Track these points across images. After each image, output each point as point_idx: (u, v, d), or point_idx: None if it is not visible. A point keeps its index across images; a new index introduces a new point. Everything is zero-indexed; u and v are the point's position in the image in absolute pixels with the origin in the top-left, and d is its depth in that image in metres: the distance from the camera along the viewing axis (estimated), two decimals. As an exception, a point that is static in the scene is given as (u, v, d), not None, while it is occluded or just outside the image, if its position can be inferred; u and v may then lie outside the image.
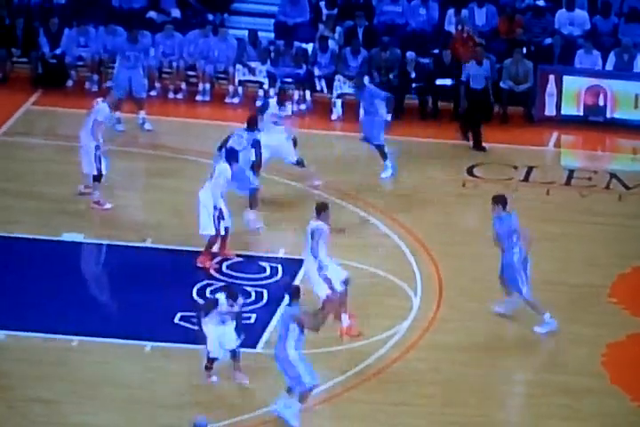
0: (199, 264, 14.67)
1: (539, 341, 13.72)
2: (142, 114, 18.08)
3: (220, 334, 12.74)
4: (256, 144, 15.60)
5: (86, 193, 16.06)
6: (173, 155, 17.53)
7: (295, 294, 12.26)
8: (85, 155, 15.77)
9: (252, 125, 15.71)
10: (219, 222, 14.51)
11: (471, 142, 18.03)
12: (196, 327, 12.82)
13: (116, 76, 18.27)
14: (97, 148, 15.74)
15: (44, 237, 15.06)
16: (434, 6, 19.95)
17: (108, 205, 15.82)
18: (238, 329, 12.79)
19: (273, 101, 16.32)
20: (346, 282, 13.73)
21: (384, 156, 16.95)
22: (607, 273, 15.00)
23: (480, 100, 18.02)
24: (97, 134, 15.66)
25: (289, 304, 12.28)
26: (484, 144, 17.99)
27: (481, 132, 17.99)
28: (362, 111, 17.24)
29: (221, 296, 12.76)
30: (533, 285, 14.62)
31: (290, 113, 16.34)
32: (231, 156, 14.67)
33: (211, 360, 12.89)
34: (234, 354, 12.87)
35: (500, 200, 14.08)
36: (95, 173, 15.76)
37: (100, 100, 16.03)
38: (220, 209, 14.57)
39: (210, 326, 12.73)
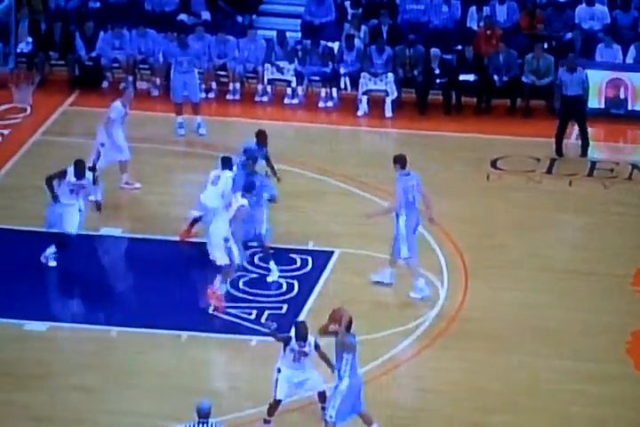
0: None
1: (563, 329, 13.86)
2: (198, 119, 18.13)
3: (294, 377, 12.08)
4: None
5: (127, 188, 16.45)
6: (205, 151, 17.78)
7: (350, 325, 11.80)
8: (93, 148, 16.21)
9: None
10: (230, 251, 14.09)
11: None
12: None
13: (172, 83, 18.35)
14: (102, 144, 16.15)
15: (83, 231, 15.22)
16: (456, 4, 20.19)
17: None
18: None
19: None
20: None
21: (269, 257, 14.90)
22: (630, 262, 15.12)
23: (571, 107, 17.67)
24: (108, 130, 16.04)
25: (354, 337, 11.76)
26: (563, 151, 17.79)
27: (562, 138, 17.80)
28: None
29: (292, 332, 12.08)
30: (559, 274, 14.82)
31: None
32: (249, 187, 14.38)
33: (275, 404, 12.15)
34: (321, 394, 12.23)
35: (397, 160, 14.36)
36: (90, 164, 15.88)
37: (118, 99, 16.42)
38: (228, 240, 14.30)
39: (283, 368, 12.08)
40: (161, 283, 14.60)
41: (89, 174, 14.76)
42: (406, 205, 14.29)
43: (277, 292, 14.61)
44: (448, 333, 13.86)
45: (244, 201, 14.04)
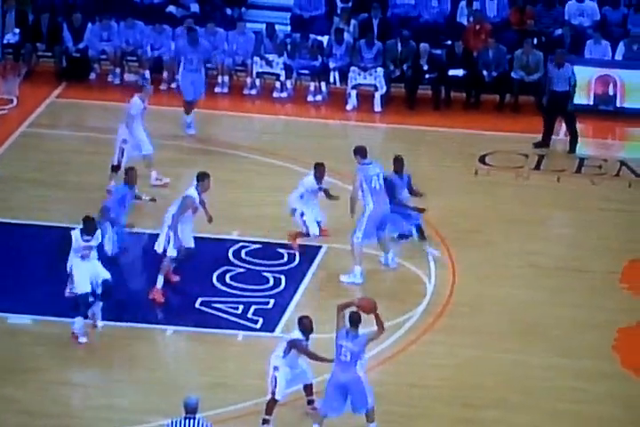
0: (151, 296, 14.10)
1: (551, 325, 13.90)
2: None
3: (293, 375, 12.16)
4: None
5: (158, 184, 16.38)
6: (194, 145, 17.82)
7: (357, 321, 11.84)
8: (115, 146, 16.13)
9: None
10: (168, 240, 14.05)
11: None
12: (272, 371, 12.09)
13: (181, 80, 18.08)
14: (123, 141, 16.08)
15: (70, 225, 15.23)
16: (446, -1, 20.30)
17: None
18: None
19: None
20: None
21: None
22: (618, 259, 15.17)
23: (558, 102, 17.73)
24: (129, 127, 15.94)
25: (352, 333, 11.77)
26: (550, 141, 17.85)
27: (552, 131, 17.84)
28: None
29: (296, 333, 12.12)
30: (547, 270, 14.85)
31: None
32: None
33: (271, 406, 12.12)
34: (308, 387, 12.39)
35: (357, 151, 14.45)
36: (115, 163, 16.04)
37: (136, 95, 16.33)
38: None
39: (285, 369, 12.06)
40: (147, 276, 14.54)
41: (98, 232, 13.52)
42: (372, 194, 14.40)
43: (264, 286, 14.58)
44: (435, 328, 13.89)
45: (193, 193, 14.09)
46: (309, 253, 15.20)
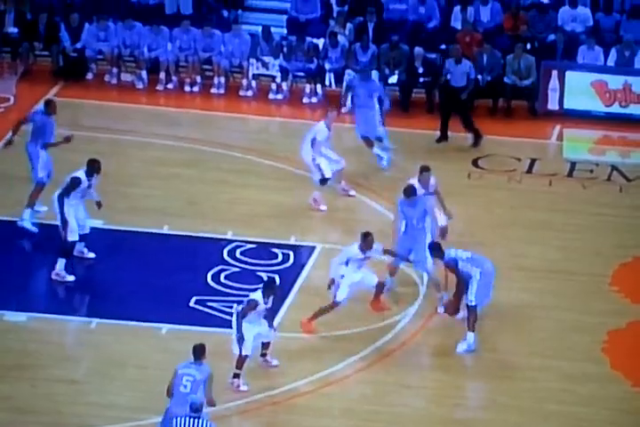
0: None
1: (541, 327, 14.00)
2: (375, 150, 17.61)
3: (257, 331, 12.87)
4: None
5: (344, 194, 16.45)
6: (190, 145, 17.89)
7: (201, 352, 11.72)
8: (308, 165, 16.26)
9: None
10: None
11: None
12: (234, 333, 12.70)
13: (355, 114, 17.71)
14: (313, 159, 16.15)
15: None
16: (441, 4, 20.21)
17: (323, 207, 16.15)
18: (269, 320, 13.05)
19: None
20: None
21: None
22: (608, 262, 15.28)
23: (455, 97, 18.08)
24: (316, 150, 16.10)
25: (196, 362, 11.64)
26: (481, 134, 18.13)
27: (446, 127, 18.07)
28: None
29: (257, 295, 12.78)
30: (538, 273, 14.95)
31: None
32: None
33: (242, 361, 12.78)
34: (266, 344, 13.13)
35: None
36: (320, 177, 16.12)
37: (323, 121, 16.28)
38: None
39: (248, 326, 12.75)
40: (142, 275, 14.66)
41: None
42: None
43: (259, 286, 14.68)
44: (427, 329, 13.96)
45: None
46: (304, 254, 15.23)
